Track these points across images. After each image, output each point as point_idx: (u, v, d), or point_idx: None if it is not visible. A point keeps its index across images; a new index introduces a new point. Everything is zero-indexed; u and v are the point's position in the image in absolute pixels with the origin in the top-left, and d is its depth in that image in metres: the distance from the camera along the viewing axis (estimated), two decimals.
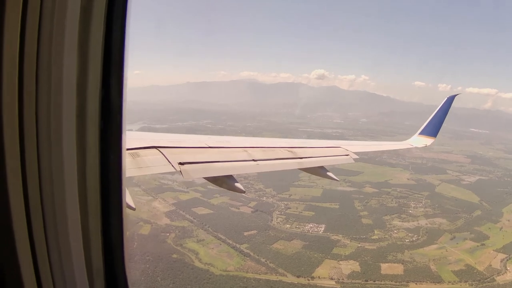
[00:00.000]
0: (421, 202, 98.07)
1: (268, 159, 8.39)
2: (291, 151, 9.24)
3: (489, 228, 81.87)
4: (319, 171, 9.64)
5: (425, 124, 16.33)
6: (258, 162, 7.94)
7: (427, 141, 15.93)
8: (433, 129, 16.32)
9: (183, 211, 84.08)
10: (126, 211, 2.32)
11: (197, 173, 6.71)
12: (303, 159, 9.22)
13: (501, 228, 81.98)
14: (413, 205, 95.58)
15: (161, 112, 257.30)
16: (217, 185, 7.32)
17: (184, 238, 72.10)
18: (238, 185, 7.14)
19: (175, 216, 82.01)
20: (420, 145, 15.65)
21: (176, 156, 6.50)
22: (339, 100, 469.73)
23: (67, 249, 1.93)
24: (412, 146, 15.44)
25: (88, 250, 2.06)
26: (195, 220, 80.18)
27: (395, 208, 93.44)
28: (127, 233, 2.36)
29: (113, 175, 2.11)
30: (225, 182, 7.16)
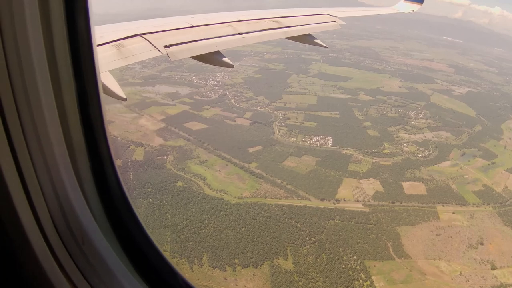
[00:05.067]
0: (421, 113, 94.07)
1: (253, 31, 8.34)
2: (277, 21, 9.24)
3: (494, 146, 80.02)
4: (306, 39, 9.68)
5: None
6: (243, 35, 7.93)
7: (414, 6, 15.84)
8: None
9: (175, 128, 72.34)
10: (100, 78, 2.17)
11: (184, 53, 6.66)
12: (289, 28, 9.25)
13: (505, 147, 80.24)
14: (413, 116, 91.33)
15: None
16: (205, 62, 7.24)
17: (184, 160, 61.52)
18: (226, 59, 7.15)
19: (167, 134, 70.10)
20: (407, 10, 15.71)
21: (161, 40, 6.43)
22: (303, 3, 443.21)
23: (42, 123, 1.80)
24: (398, 11, 15.60)
25: (66, 124, 1.97)
26: (191, 138, 69.02)
27: (397, 118, 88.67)
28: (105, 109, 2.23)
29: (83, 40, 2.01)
30: (212, 58, 7.10)
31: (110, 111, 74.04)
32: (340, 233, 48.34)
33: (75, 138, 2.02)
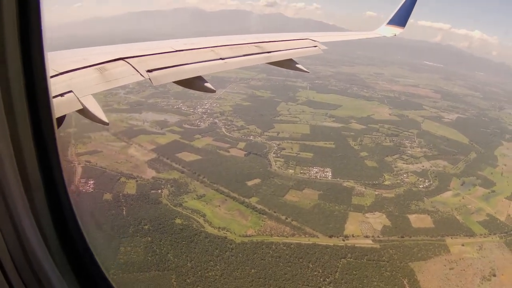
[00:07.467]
0: (415, 141, 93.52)
1: (235, 56, 8.34)
2: (259, 46, 9.22)
3: (491, 173, 79.73)
4: (288, 64, 9.65)
5: (393, 14, 16.05)
6: (226, 60, 7.95)
7: (396, 30, 16.01)
8: (401, 18, 16.09)
9: (167, 159, 68.67)
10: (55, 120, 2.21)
11: (166, 78, 6.63)
12: (271, 53, 9.23)
13: (502, 174, 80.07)
14: (408, 145, 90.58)
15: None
16: (187, 87, 7.23)
17: (180, 194, 57.83)
18: (208, 85, 7.16)
19: (160, 165, 66.27)
20: (389, 34, 15.86)
21: (144, 64, 6.38)
22: (282, 28, 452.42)
23: None
24: (380, 35, 15.64)
25: (23, 165, 2.00)
26: (185, 170, 65.39)
27: (393, 148, 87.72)
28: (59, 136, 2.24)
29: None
30: (194, 83, 7.11)
31: (97, 139, 70.53)
32: (354, 272, 45.63)
33: (31, 177, 1.98)
